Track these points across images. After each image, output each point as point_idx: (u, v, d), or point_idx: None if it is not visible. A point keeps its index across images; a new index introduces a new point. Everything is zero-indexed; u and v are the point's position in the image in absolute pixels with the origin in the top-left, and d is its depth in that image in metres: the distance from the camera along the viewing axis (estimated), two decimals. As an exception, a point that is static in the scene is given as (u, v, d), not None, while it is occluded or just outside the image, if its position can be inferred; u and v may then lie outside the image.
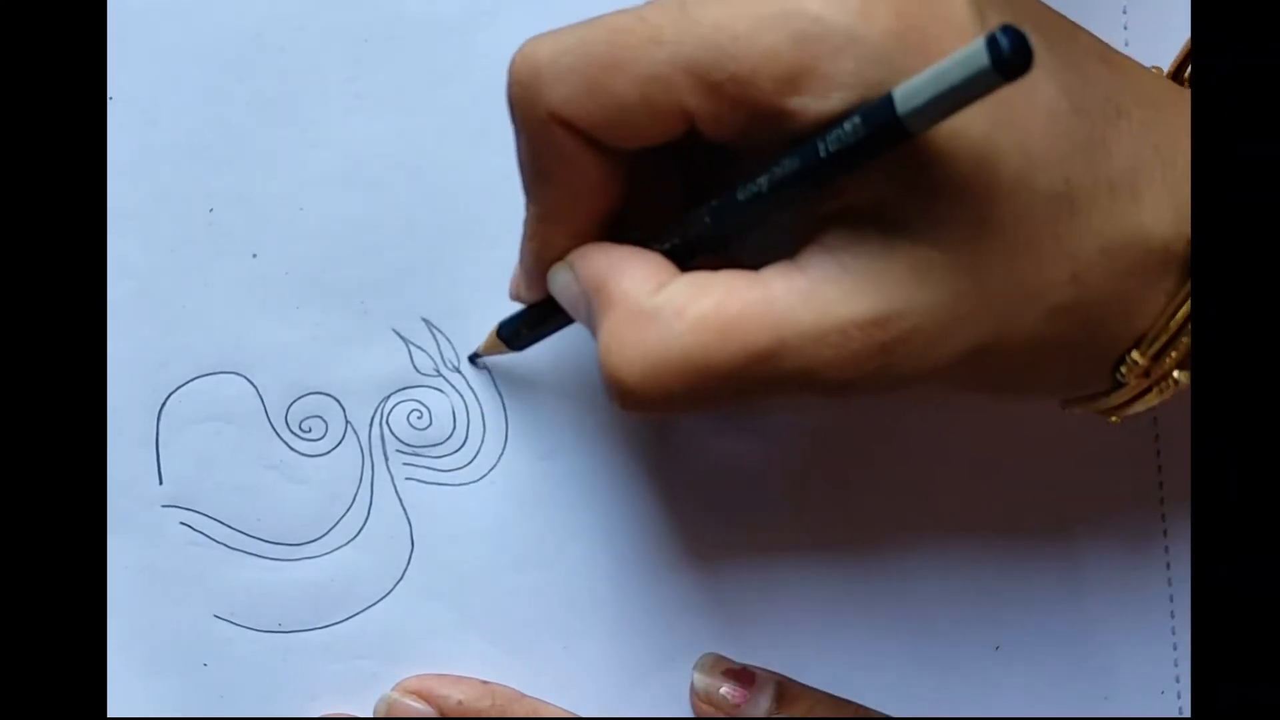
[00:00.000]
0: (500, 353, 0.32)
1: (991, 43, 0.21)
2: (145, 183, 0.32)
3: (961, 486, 0.34)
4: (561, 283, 0.27)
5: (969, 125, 0.23)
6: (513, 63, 0.25)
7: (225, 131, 0.32)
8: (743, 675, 0.33)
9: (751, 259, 0.25)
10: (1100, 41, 0.27)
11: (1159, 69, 0.30)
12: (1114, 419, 0.29)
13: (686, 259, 0.26)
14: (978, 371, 0.25)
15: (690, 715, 0.34)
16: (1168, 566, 0.35)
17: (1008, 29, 0.20)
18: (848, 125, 0.23)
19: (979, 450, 0.34)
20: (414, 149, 0.32)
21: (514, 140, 0.27)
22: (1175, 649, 0.35)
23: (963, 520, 0.35)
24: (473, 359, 0.33)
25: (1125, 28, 0.34)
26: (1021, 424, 0.34)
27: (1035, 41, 0.24)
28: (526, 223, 0.28)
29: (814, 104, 0.23)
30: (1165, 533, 0.35)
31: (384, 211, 0.32)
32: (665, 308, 0.24)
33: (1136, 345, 0.26)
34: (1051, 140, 0.24)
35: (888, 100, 0.22)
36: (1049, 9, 0.27)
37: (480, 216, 0.32)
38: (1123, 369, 0.27)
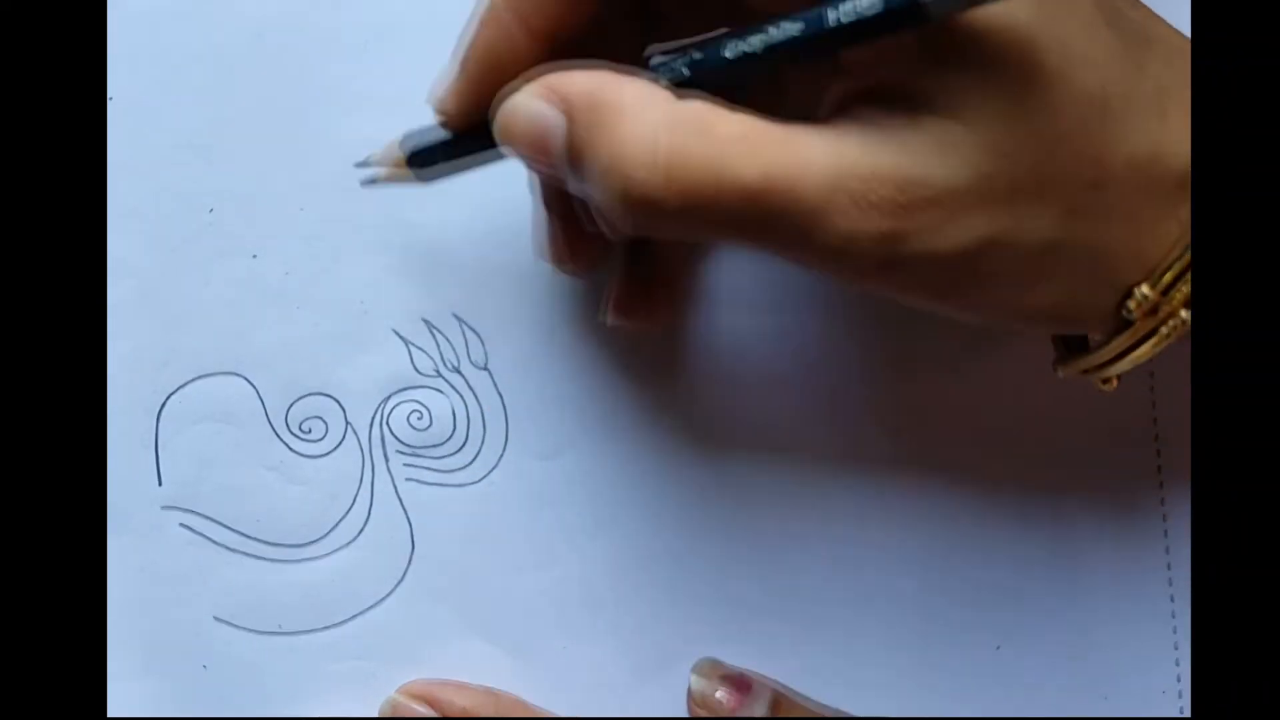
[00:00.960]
0: (404, 180, 0.29)
1: None
2: (145, 183, 0.32)
3: (962, 489, 0.34)
4: (530, 111, 0.25)
5: (1014, 12, 0.23)
6: None
7: (225, 132, 0.32)
8: (739, 681, 0.33)
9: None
10: None
11: None
12: (1110, 383, 0.28)
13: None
14: (981, 268, 0.25)
15: (690, 716, 0.34)
16: (1168, 566, 0.35)
17: None
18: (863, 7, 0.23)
19: (979, 451, 0.34)
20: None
21: None
22: (1176, 648, 0.35)
23: (964, 521, 0.34)
24: (370, 182, 0.29)
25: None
26: (1023, 425, 0.34)
27: None
28: (483, 8, 0.27)
29: None
30: (1166, 533, 0.35)
31: (384, 212, 0.32)
32: (689, 117, 0.24)
33: (1146, 278, 0.26)
34: (1089, 44, 0.24)
35: None
36: None
37: (481, 217, 0.32)
38: (1130, 304, 0.26)
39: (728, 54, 0.24)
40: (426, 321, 0.32)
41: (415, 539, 0.33)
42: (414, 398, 0.33)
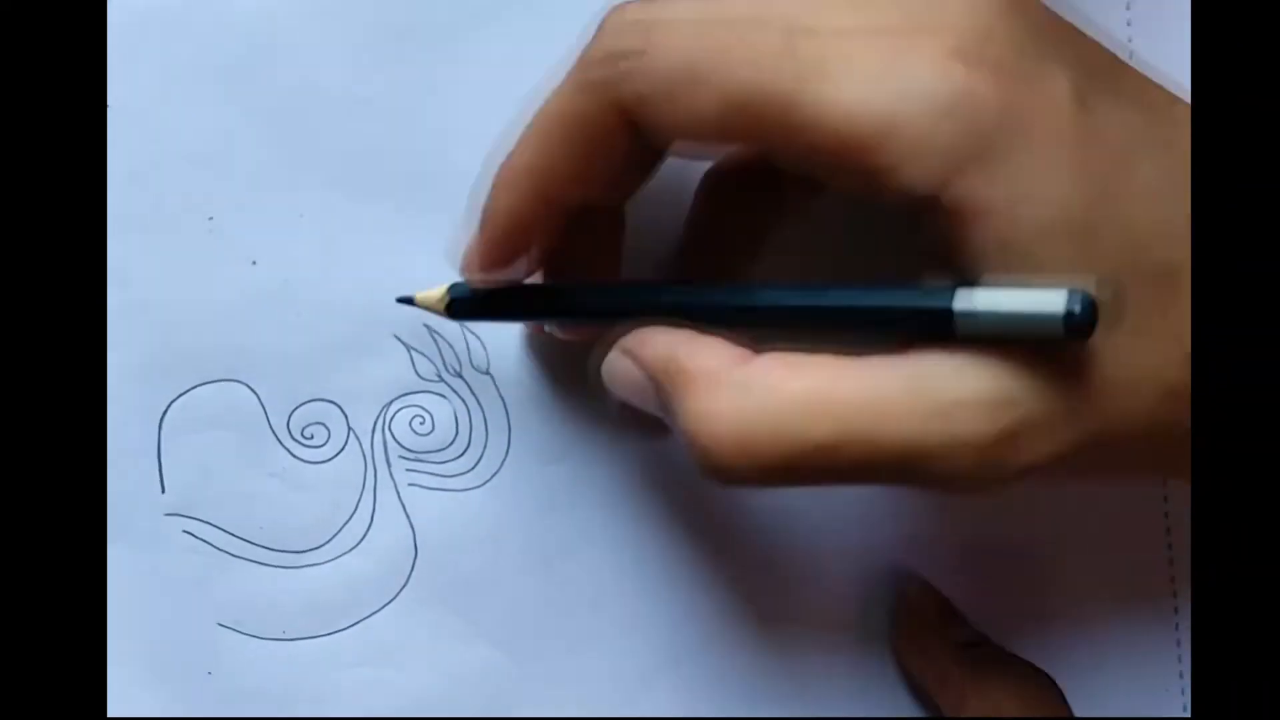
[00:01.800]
0: (436, 312, 0.30)
1: (1069, 300, 0.21)
2: (145, 191, 0.32)
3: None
4: (622, 370, 0.27)
5: (1069, 206, 0.23)
6: (608, 26, 0.25)
7: (224, 139, 0.32)
8: (949, 607, 0.33)
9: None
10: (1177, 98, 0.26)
11: None
12: None
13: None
14: (1094, 460, 0.24)
15: (693, 716, 0.34)
16: (1170, 563, 0.35)
17: (1085, 296, 0.21)
18: (898, 294, 0.23)
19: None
20: (414, 154, 0.32)
21: (555, 88, 0.26)
22: (1179, 644, 0.36)
23: (966, 522, 0.35)
24: (409, 302, 0.31)
25: (1129, 24, 0.34)
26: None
27: (1133, 120, 0.24)
28: (501, 176, 0.27)
29: (898, 168, 0.23)
30: (1168, 530, 0.35)
31: (384, 217, 0.32)
32: (757, 382, 0.24)
33: None
34: (1152, 222, 0.24)
35: (948, 294, 0.22)
36: (1149, 81, 0.26)
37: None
38: None
39: (778, 302, 0.25)
40: (428, 326, 0.32)
41: (418, 544, 0.33)
42: (416, 403, 0.33)
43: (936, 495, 0.25)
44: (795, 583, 0.34)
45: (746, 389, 0.24)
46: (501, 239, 0.27)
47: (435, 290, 0.30)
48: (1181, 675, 0.36)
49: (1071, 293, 0.21)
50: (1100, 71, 0.25)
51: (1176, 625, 0.36)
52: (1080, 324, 0.21)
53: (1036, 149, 0.23)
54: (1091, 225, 0.23)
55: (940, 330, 0.23)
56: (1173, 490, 0.35)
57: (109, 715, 0.31)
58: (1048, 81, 0.23)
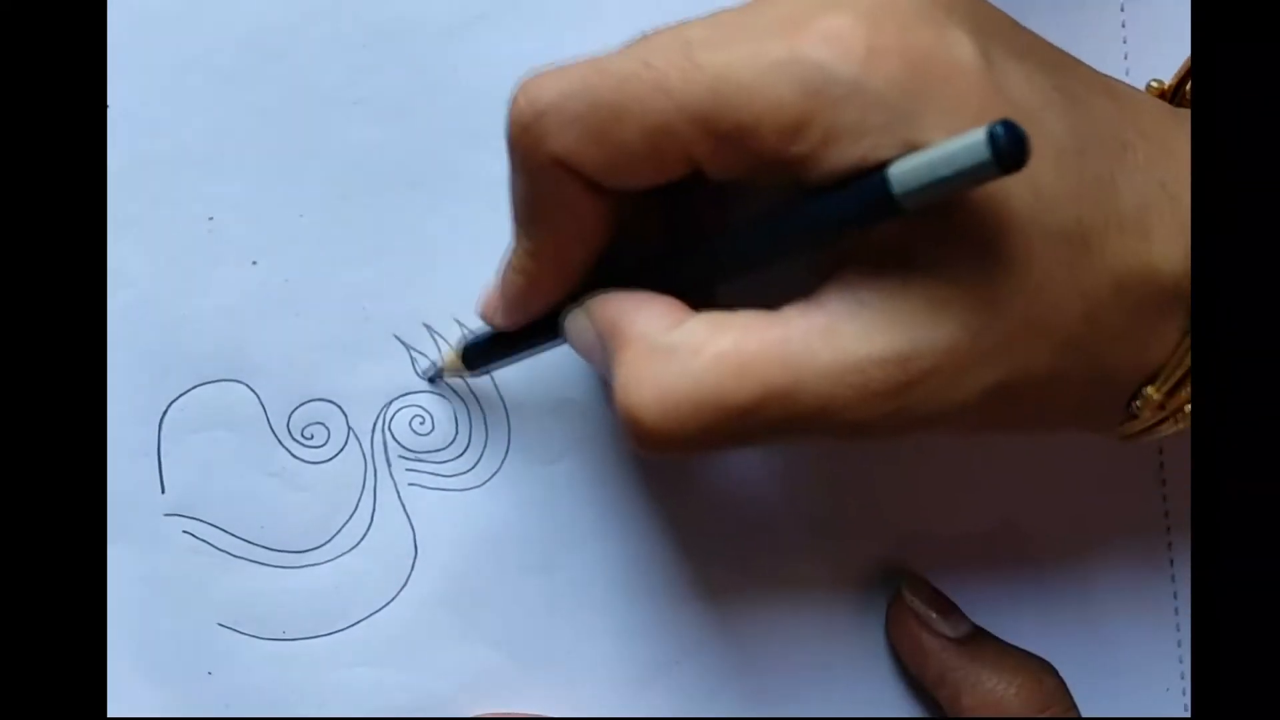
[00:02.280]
0: (458, 374, 0.32)
1: (992, 137, 0.21)
2: (145, 191, 0.32)
3: (969, 491, 0.34)
4: (579, 328, 0.27)
5: None
6: (514, 104, 0.25)
7: (224, 139, 0.32)
8: (945, 604, 0.33)
9: (769, 292, 0.25)
10: (1101, 74, 0.27)
11: (1159, 82, 0.30)
12: (1127, 442, 0.29)
13: (685, 294, 0.26)
14: (994, 411, 0.25)
15: (693, 716, 0.33)
16: (1171, 564, 0.35)
17: (1007, 124, 0.21)
18: (840, 198, 0.23)
19: (984, 453, 0.34)
20: (413, 154, 0.32)
21: (510, 178, 0.26)
22: (1180, 645, 0.35)
23: (970, 524, 0.35)
24: (433, 379, 0.33)
25: (1124, 25, 0.35)
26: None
27: (1039, 80, 0.24)
28: (514, 255, 0.28)
29: (818, 153, 0.23)
30: (1169, 529, 0.35)
31: (384, 217, 0.32)
32: (682, 345, 0.24)
33: (1151, 380, 0.26)
34: (1060, 180, 0.24)
35: (882, 179, 0.23)
36: (1050, 45, 0.27)
37: (480, 220, 0.32)
38: (1137, 403, 0.27)
39: (730, 245, 0.25)
40: (428, 327, 0.32)
41: (418, 544, 0.33)
42: (416, 402, 0.33)
43: (843, 444, 0.26)
44: (794, 582, 0.34)
45: (671, 353, 0.24)
46: (520, 309, 0.29)
47: (450, 355, 0.32)
48: (1183, 677, 0.36)
49: (991, 125, 0.21)
50: (1004, 33, 0.25)
51: (1178, 626, 0.36)
52: (1009, 151, 0.21)
53: (946, 111, 0.23)
54: (1001, 184, 0.23)
55: (887, 213, 0.23)
56: (1173, 490, 0.35)
57: (109, 715, 0.31)
58: (953, 45, 0.23)
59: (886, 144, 0.23)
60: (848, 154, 0.23)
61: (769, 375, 0.24)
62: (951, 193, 0.22)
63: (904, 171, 0.22)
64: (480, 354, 0.31)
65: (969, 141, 0.21)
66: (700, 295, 0.26)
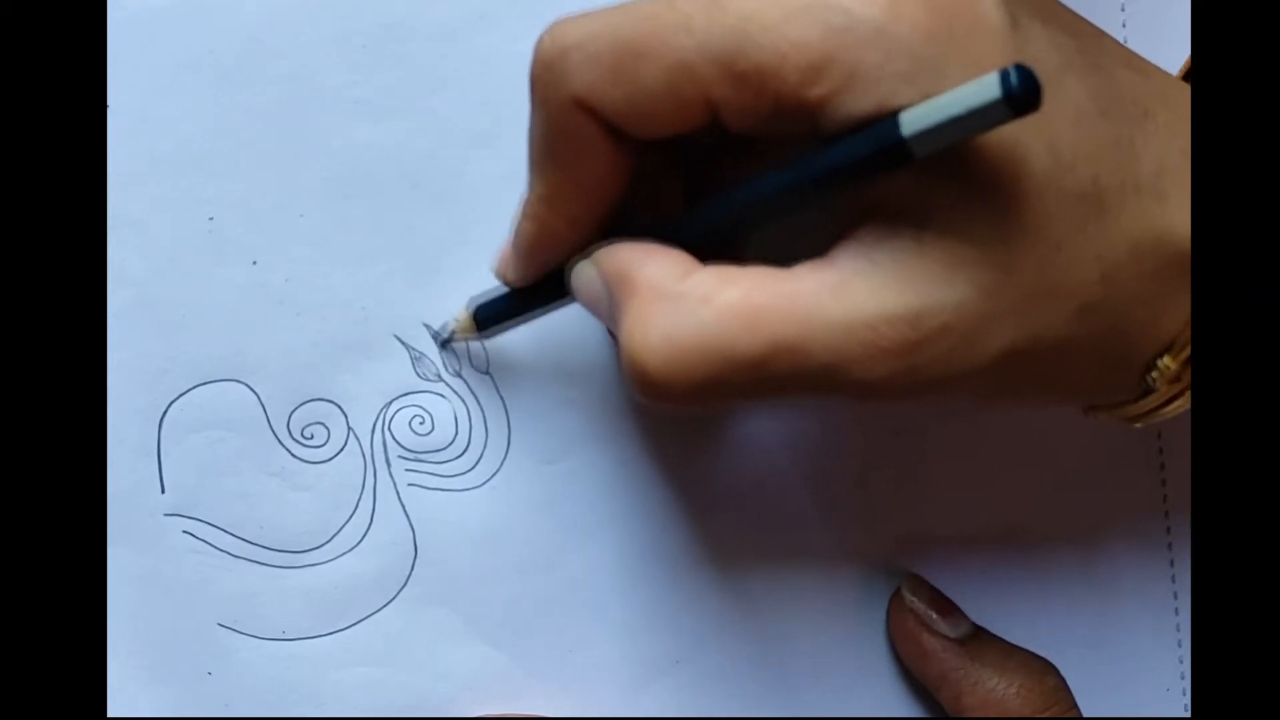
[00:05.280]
0: (470, 337, 0.32)
1: (1004, 77, 0.21)
2: (145, 191, 0.32)
3: (969, 491, 0.34)
4: (586, 278, 0.27)
5: None
6: (540, 43, 0.25)
7: (224, 139, 0.32)
8: (945, 604, 0.33)
9: (782, 256, 0.25)
10: (1125, 47, 0.27)
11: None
12: (1138, 425, 0.28)
13: (697, 255, 0.26)
14: (1006, 376, 0.25)
15: (693, 716, 0.33)
16: (1171, 564, 0.35)
17: (1020, 67, 0.21)
18: (851, 144, 0.23)
19: (984, 453, 0.34)
20: (413, 154, 0.32)
21: (530, 118, 0.26)
22: (1180, 645, 0.35)
23: (971, 524, 0.35)
24: (444, 344, 0.32)
25: (1124, 25, 0.35)
26: (1024, 421, 0.34)
27: (1063, 42, 0.24)
28: (526, 202, 0.28)
29: (838, 97, 0.23)
30: (1169, 529, 0.35)
31: (384, 217, 0.32)
32: (691, 294, 0.24)
33: (1167, 350, 0.26)
34: (1079, 140, 0.24)
35: (894, 123, 0.22)
36: (1077, 15, 0.27)
37: (480, 221, 0.32)
38: (1153, 374, 0.26)
39: (743, 197, 0.25)
40: (428, 327, 0.32)
41: (418, 544, 0.33)
42: (416, 402, 0.33)
43: (852, 404, 0.25)
44: (793, 582, 0.34)
45: (679, 301, 0.24)
46: (532, 259, 0.29)
47: (461, 316, 0.31)
48: (1183, 677, 0.36)
49: (1003, 70, 0.21)
50: None
51: (1178, 627, 0.36)
52: (1020, 92, 0.21)
53: (967, 65, 0.23)
54: (1019, 142, 0.23)
55: (899, 160, 0.23)
56: (1172, 489, 0.35)
57: (109, 715, 0.32)
58: (977, 3, 0.24)
59: (905, 92, 0.23)
60: (867, 98, 0.23)
61: (778, 328, 0.24)
62: (962, 135, 0.22)
63: (915, 115, 0.22)
64: (492, 314, 0.31)
65: (981, 82, 0.21)
66: (711, 255, 0.26)
